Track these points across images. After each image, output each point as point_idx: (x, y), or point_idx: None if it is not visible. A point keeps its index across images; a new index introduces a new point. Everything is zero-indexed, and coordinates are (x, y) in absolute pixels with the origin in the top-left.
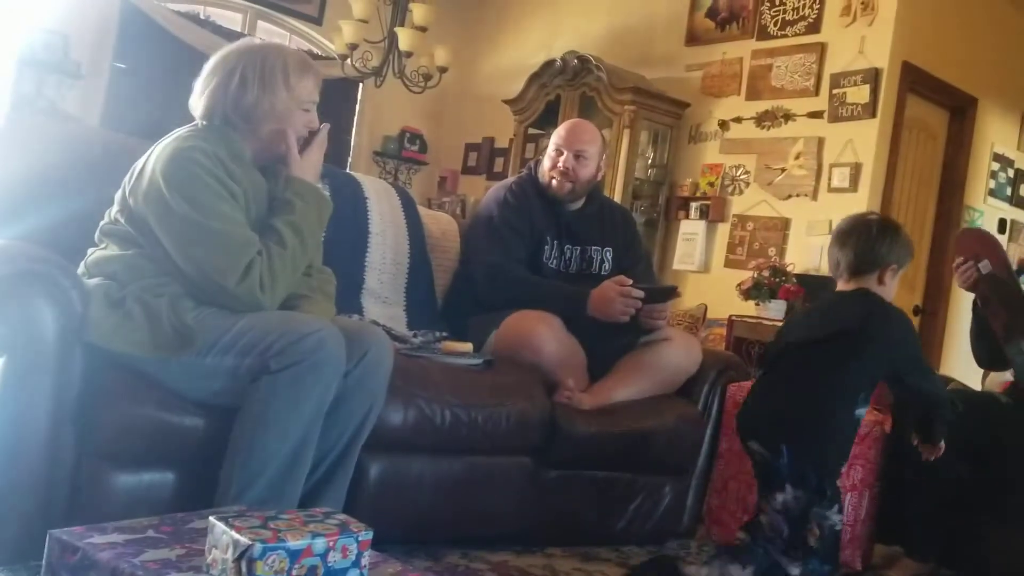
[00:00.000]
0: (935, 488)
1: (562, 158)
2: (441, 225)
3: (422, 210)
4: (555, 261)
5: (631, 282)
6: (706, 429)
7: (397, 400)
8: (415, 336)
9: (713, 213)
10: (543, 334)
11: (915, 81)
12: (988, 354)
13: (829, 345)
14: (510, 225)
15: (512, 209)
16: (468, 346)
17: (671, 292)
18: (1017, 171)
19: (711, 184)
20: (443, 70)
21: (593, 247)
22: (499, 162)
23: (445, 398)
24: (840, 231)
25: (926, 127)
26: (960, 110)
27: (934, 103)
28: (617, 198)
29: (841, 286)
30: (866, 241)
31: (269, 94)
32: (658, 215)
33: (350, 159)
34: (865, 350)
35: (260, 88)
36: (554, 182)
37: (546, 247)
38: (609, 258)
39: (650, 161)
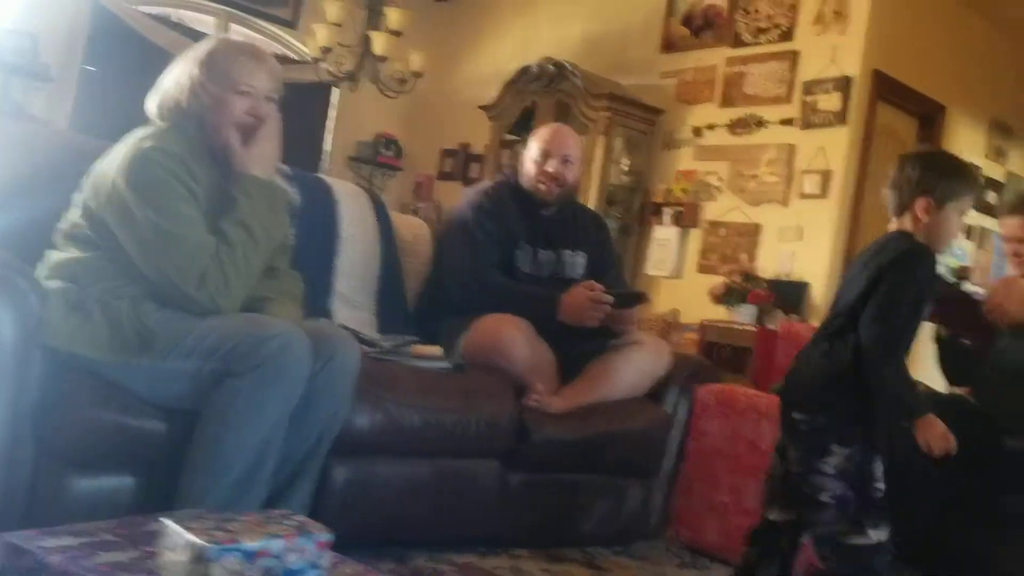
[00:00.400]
0: (914, 492)
1: (551, 163)
2: (413, 229)
3: (394, 214)
4: (528, 265)
5: (602, 287)
6: (674, 432)
7: (365, 403)
8: (385, 340)
9: (686, 219)
10: (513, 338)
11: (885, 89)
12: (957, 373)
13: (845, 297)
14: (484, 229)
15: (486, 213)
16: (438, 350)
17: (640, 298)
18: (985, 178)
19: (685, 190)
20: (418, 75)
21: (566, 251)
22: (475, 168)
23: (414, 401)
24: None
25: (895, 134)
26: (929, 118)
27: (903, 111)
28: (592, 204)
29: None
30: (898, 174)
31: (190, 80)
32: (632, 221)
33: (324, 164)
34: (869, 296)
35: (186, 77)
36: (543, 187)
37: (520, 251)
38: (582, 262)
39: (625, 167)
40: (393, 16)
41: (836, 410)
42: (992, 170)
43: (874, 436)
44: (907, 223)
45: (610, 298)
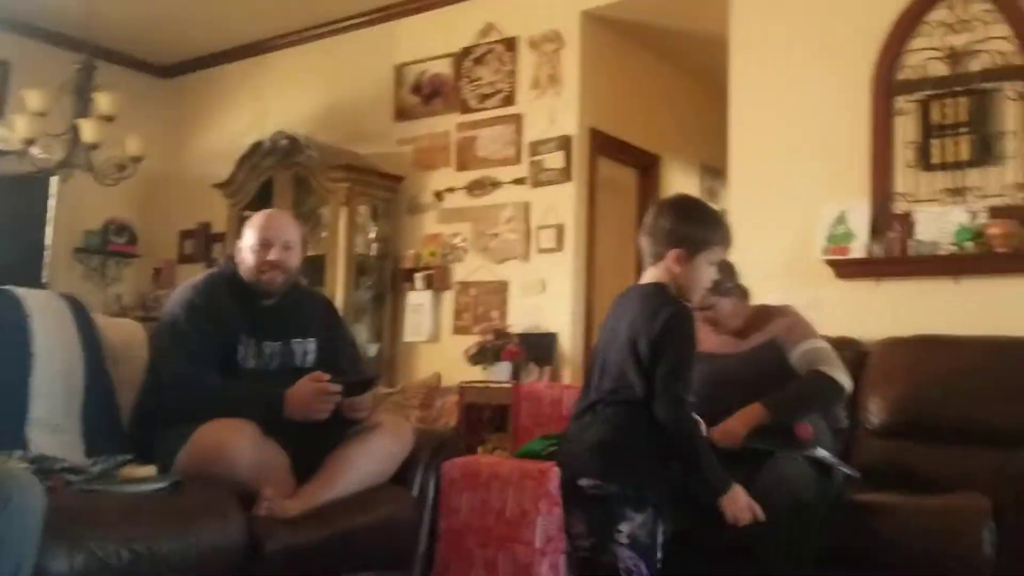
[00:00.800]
0: None
1: (271, 251)
2: (124, 334)
3: (101, 319)
4: (253, 360)
5: (328, 378)
6: (424, 514)
7: (60, 546)
8: (93, 465)
9: (438, 282)
10: (236, 444)
11: (603, 145)
12: None
13: (614, 359)
14: (197, 328)
15: (199, 310)
16: (150, 470)
17: (370, 383)
18: None
19: (432, 254)
20: (138, 160)
21: (295, 340)
22: (217, 248)
23: (120, 534)
24: None
25: (617, 185)
26: (646, 168)
27: (622, 163)
28: (340, 276)
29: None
30: (652, 223)
31: None
32: (385, 288)
33: (45, 260)
34: (632, 358)
35: None
36: (266, 276)
37: (241, 346)
38: (313, 349)
39: (372, 236)
40: (103, 101)
41: (630, 477)
42: None
43: (661, 503)
44: (660, 273)
45: (338, 387)
